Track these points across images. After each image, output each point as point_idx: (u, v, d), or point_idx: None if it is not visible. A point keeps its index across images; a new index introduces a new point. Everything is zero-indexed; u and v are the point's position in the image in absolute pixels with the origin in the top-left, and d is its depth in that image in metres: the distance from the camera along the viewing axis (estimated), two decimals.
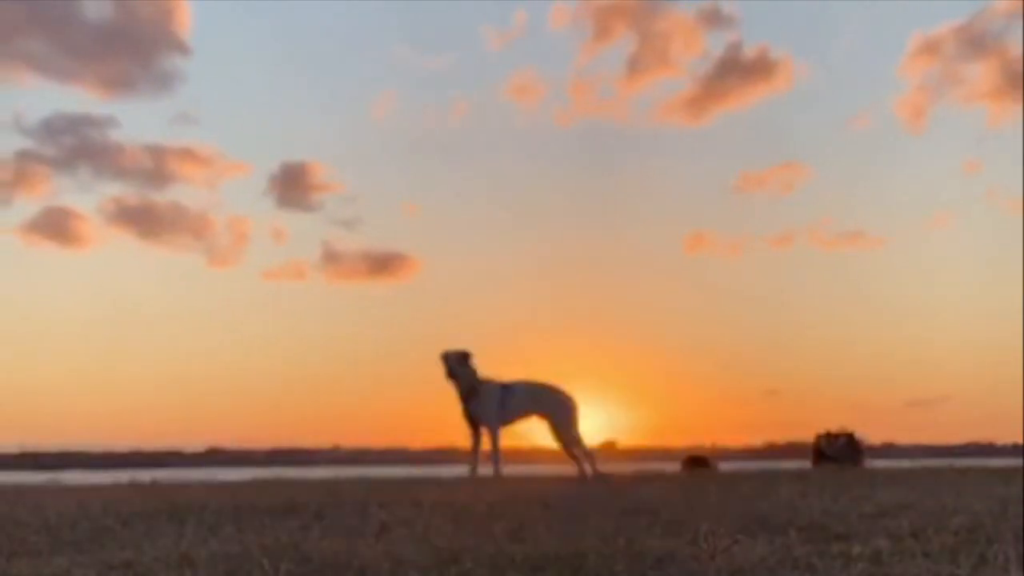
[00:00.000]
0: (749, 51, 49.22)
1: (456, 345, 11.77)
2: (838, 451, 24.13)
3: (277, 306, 62.68)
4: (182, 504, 6.20)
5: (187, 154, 52.93)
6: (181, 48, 50.92)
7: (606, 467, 11.98)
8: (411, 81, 56.21)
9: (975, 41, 49.72)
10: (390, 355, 63.65)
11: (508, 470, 12.00)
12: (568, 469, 11.99)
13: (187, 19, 50.83)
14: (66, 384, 62.06)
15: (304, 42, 56.20)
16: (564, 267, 58.84)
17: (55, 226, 52.57)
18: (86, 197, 62.55)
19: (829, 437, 25.18)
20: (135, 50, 49.56)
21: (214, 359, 65.60)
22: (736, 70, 49.19)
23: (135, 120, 59.79)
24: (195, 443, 58.80)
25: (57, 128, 55.14)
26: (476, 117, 54.31)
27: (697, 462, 21.27)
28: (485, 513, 5.37)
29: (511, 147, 56.42)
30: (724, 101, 51.55)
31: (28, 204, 66.73)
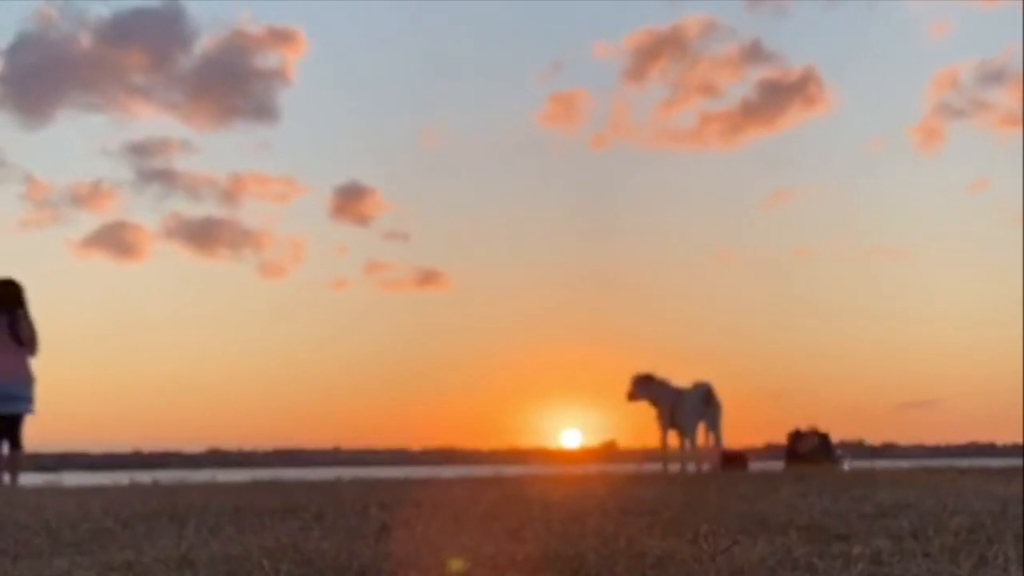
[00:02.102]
0: (786, 78, 51.19)
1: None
2: (812, 451, 23.95)
3: (286, 311, 63.58)
4: (183, 505, 6.20)
5: (257, 178, 55.81)
6: (285, 82, 53.12)
7: (607, 467, 12.06)
8: (459, 111, 59.17)
9: (995, 73, 51.69)
10: (391, 357, 64.06)
11: (508, 470, 12.01)
12: (569, 469, 12.01)
13: (300, 54, 53.17)
14: (66, 385, 62.20)
15: (369, 75, 59.23)
16: (585, 280, 60.79)
17: (112, 241, 54.20)
18: (147, 216, 64.67)
19: (801, 436, 24.88)
20: (241, 82, 51.41)
21: (215, 361, 65.78)
22: (772, 97, 50.58)
23: (218, 147, 61.31)
24: (195, 444, 58.85)
25: (138, 153, 57.24)
26: (517, 144, 57.52)
27: (731, 460, 20.45)
28: (485, 513, 5.37)
29: (549, 171, 58.99)
30: (757, 126, 53.27)
31: (90, 221, 69.95)
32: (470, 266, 60.76)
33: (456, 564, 3.46)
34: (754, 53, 54.07)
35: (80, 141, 59.27)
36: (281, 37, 52.54)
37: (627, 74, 55.68)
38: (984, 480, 7.98)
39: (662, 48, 53.37)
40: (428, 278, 56.54)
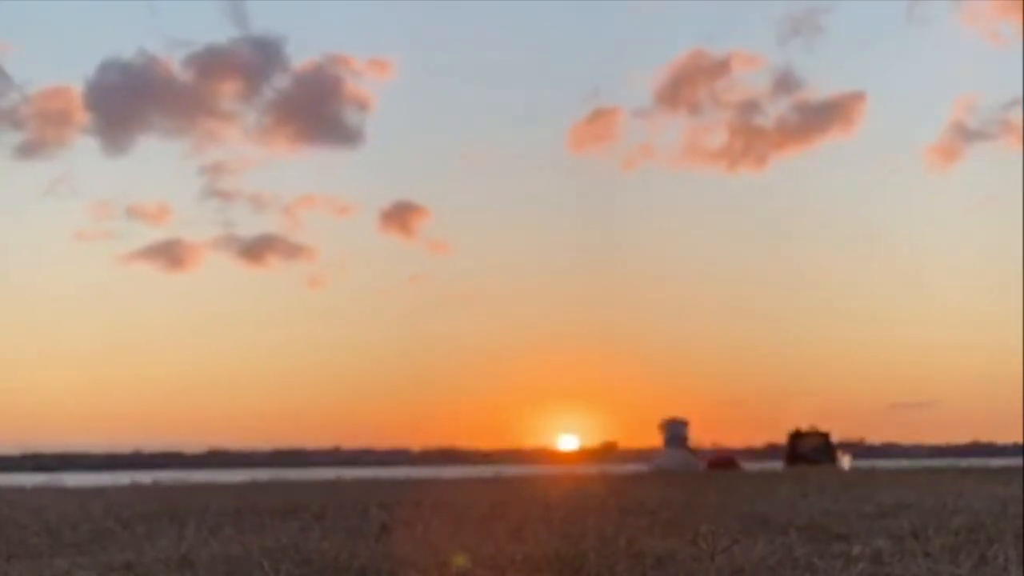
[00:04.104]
0: (814, 102, 53.40)
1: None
2: (813, 450, 23.98)
3: (289, 312, 64.63)
4: (183, 506, 6.20)
5: (313, 198, 58.16)
6: (365, 108, 55.00)
7: (608, 467, 12.07)
8: (499, 136, 62.00)
9: (1009, 103, 54.01)
10: (392, 358, 64.54)
11: (508, 470, 12.02)
12: (569, 469, 12.04)
13: (388, 81, 55.24)
14: (67, 386, 62.49)
15: (440, 101, 61.99)
16: (598, 292, 62.83)
17: (154, 254, 56.08)
18: (197, 231, 66.74)
19: (801, 436, 24.87)
20: (326, 107, 52.99)
21: (215, 362, 66.07)
22: (799, 120, 52.35)
23: (284, 168, 62.83)
24: (196, 444, 58.97)
25: (207, 174, 59.32)
26: (550, 167, 60.16)
27: (722, 464, 20.79)
28: (485, 513, 5.37)
29: (580, 191, 61.34)
30: (782, 149, 55.12)
31: (143, 236, 72.16)
32: (490, 275, 62.43)
33: (460, 560, 3.47)
34: (784, 82, 56.35)
35: (157, 164, 61.10)
36: (373, 66, 54.83)
37: (660, 99, 57.90)
38: (984, 480, 7.98)
39: (694, 76, 55.40)
40: (454, 288, 58.87)
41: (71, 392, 60.01)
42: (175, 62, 57.90)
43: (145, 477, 11.93)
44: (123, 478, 11.79)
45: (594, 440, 45.76)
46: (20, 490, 9.66)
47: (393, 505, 5.95)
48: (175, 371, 62.37)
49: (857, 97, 53.14)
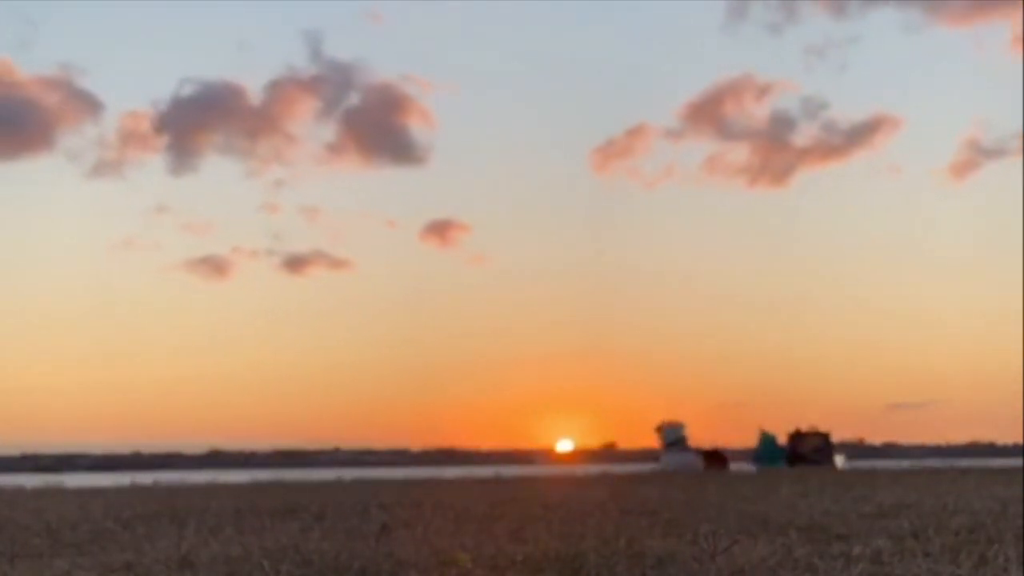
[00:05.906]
0: (837, 124, 55.48)
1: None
2: (813, 451, 24.08)
3: (299, 317, 65.65)
4: (183, 506, 6.20)
5: (355, 213, 59.29)
6: (429, 124, 56.82)
7: (607, 467, 12.07)
8: (536, 159, 64.01)
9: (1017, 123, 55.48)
10: (392, 358, 64.87)
11: (507, 470, 12.03)
12: (569, 470, 12.04)
13: (449, 104, 57.38)
14: (67, 386, 62.63)
15: (471, 126, 63.87)
16: (600, 298, 64.29)
17: (201, 265, 57.17)
18: (242, 244, 67.93)
19: (801, 436, 24.92)
20: (391, 129, 54.76)
21: (216, 363, 66.23)
22: (822, 140, 54.00)
23: (343, 185, 64.01)
24: (196, 445, 59.05)
25: (263, 191, 60.93)
26: (579, 185, 62.37)
27: (714, 457, 21.21)
28: (485, 513, 5.37)
29: (607, 209, 63.14)
30: (802, 168, 56.77)
31: (187, 248, 73.36)
32: (497, 281, 63.63)
33: (463, 559, 3.48)
34: (808, 106, 58.02)
35: (219, 182, 62.43)
36: (433, 91, 56.57)
37: (683, 120, 59.89)
38: (984, 480, 7.98)
39: (723, 100, 57.15)
40: (462, 295, 60.38)
41: (71, 393, 60.15)
42: (245, 85, 59.81)
43: (145, 478, 11.93)
44: (123, 479, 11.79)
45: (594, 440, 45.87)
46: (20, 491, 9.66)
47: (393, 505, 5.95)
48: (176, 372, 62.56)
49: (878, 120, 54.58)
